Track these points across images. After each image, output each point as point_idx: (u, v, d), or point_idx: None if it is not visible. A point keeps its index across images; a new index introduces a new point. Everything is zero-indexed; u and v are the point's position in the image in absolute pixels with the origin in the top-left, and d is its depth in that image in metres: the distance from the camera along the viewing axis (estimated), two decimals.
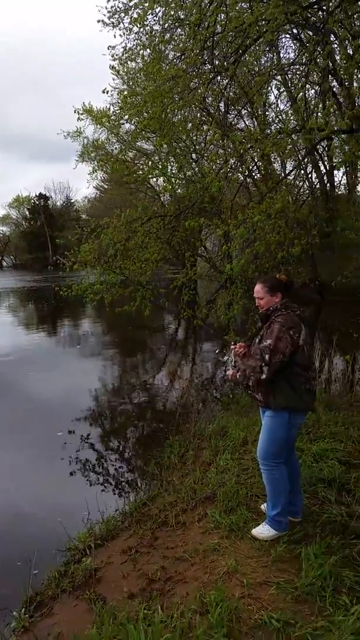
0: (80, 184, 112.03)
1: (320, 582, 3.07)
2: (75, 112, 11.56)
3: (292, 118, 10.02)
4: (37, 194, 65.36)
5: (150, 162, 15.62)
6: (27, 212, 66.67)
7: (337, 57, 8.61)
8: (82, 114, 17.91)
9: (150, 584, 3.31)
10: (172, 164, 14.05)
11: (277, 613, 2.84)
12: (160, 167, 14.74)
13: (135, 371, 11.38)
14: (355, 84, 8.12)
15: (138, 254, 9.28)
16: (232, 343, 3.97)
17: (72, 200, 67.88)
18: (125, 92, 10.48)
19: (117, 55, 9.29)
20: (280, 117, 12.26)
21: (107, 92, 9.48)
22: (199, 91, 8.48)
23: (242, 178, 13.37)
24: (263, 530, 3.68)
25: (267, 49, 9.56)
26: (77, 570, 3.60)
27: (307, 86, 9.39)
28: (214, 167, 9.69)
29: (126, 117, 10.27)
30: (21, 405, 8.53)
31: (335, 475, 4.47)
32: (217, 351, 4.19)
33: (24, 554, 3.98)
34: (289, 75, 11.41)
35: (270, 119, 13.07)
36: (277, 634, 2.71)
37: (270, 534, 3.65)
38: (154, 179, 18.16)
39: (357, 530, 3.67)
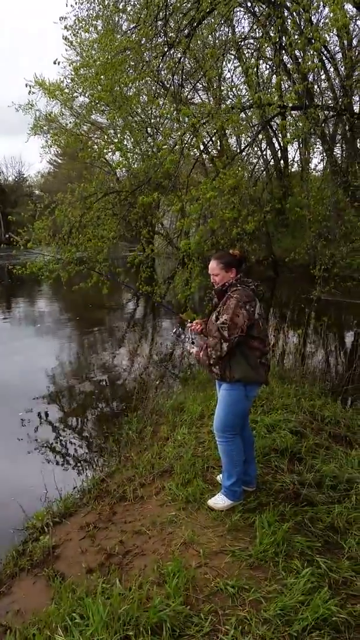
0: (33, 158, 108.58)
1: (274, 549, 3.18)
2: (26, 85, 11.09)
3: (246, 93, 10.00)
4: None
5: (105, 137, 15.26)
6: None
7: (289, 31, 8.60)
8: (33, 86, 17.27)
9: (109, 559, 3.36)
10: (127, 138, 13.81)
11: (232, 580, 2.94)
12: (115, 141, 14.45)
13: (94, 350, 11.31)
14: (306, 59, 8.12)
15: (93, 231, 9.14)
16: (189, 321, 3.99)
17: (24, 176, 65.59)
18: (78, 64, 10.12)
19: (69, 25, 9.01)
20: (234, 91, 12.21)
21: (59, 64, 9.15)
22: (153, 64, 8.32)
23: (197, 154, 13.28)
24: (218, 501, 3.78)
25: (222, 21, 9.44)
26: (35, 548, 3.61)
27: (260, 61, 9.35)
28: (169, 142, 9.58)
29: (80, 90, 10.01)
30: None
31: (287, 445, 4.61)
32: (174, 331, 4.19)
33: None
34: (243, 50, 11.32)
35: (225, 94, 12.98)
36: (232, 599, 2.80)
37: (225, 504, 3.75)
38: (110, 154, 17.78)
39: (308, 497, 3.82)
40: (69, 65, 11.89)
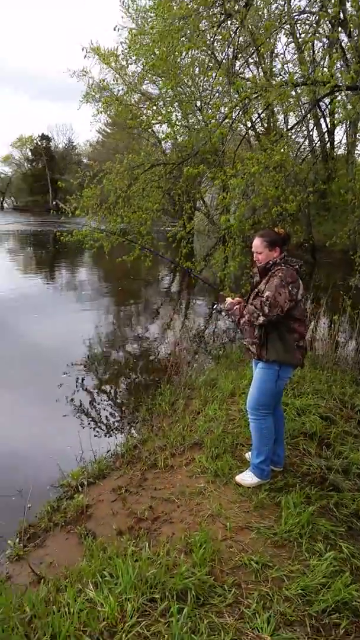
0: (83, 127, 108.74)
1: (298, 530, 3.26)
2: (82, 49, 11.10)
3: (298, 70, 9.73)
4: (40, 135, 63.87)
5: (154, 107, 15.14)
6: (29, 153, 65.22)
7: (348, 6, 8.29)
8: (89, 52, 17.25)
9: (138, 523, 3.51)
10: (176, 110, 13.66)
11: (256, 556, 3.03)
12: (164, 113, 14.34)
13: (130, 321, 11.50)
14: None
15: (139, 202, 9.19)
16: (228, 298, 4.03)
17: (74, 143, 66.29)
18: (134, 31, 10.04)
19: None
20: (286, 68, 11.85)
21: (117, 30, 9.14)
22: (208, 34, 8.18)
23: (244, 130, 13.07)
24: (246, 477, 3.87)
25: None
26: (69, 505, 3.79)
27: (315, 38, 9.07)
28: (217, 116, 9.46)
29: (134, 57, 9.94)
30: (18, 347, 8.66)
31: (317, 430, 4.66)
32: (214, 307, 4.22)
33: (18, 488, 4.19)
34: (298, 25, 10.95)
35: (277, 70, 12.63)
36: (256, 575, 2.90)
37: (253, 481, 3.83)
38: (157, 126, 17.68)
39: (335, 482, 3.88)
40: (127, 32, 11.83)
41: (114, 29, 8.87)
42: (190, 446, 4.50)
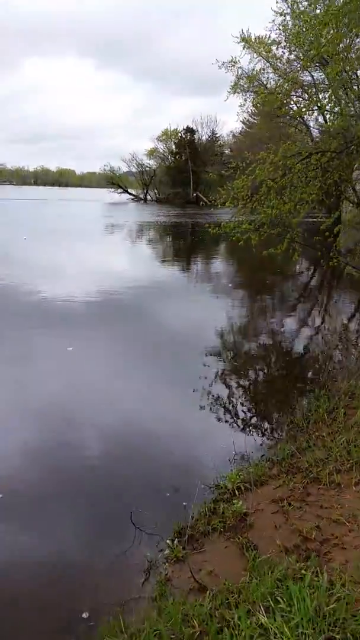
0: (227, 117, 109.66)
1: None
2: (237, 36, 10.83)
3: None
4: (185, 128, 65.62)
5: (306, 95, 14.43)
6: (173, 146, 67.24)
7: None
8: (239, 42, 16.95)
9: (305, 542, 3.17)
10: (341, 96, 12.86)
11: None
12: (317, 100, 13.59)
13: (269, 315, 11.08)
14: None
15: (290, 194, 8.73)
16: None
17: (217, 135, 67.04)
18: (303, 13, 9.55)
19: None
20: None
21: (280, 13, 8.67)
22: None
23: None
24: None
25: None
26: (226, 510, 3.56)
27: None
28: None
29: (290, 45, 9.46)
30: (156, 333, 8.77)
31: None
32: None
33: (170, 483, 4.07)
34: None
35: None
36: None
37: None
38: (308, 114, 16.87)
39: None
40: (279, 16, 11.37)
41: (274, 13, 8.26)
42: (358, 463, 4.02)
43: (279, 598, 2.58)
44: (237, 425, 5.39)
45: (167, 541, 3.33)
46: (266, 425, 5.49)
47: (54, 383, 6.36)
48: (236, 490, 3.82)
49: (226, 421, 5.48)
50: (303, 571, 2.81)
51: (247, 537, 3.24)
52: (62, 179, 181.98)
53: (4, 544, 3.43)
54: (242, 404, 5.97)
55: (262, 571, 2.86)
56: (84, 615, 2.80)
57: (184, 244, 25.18)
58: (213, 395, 6.12)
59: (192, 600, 2.78)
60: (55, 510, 3.85)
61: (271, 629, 2.38)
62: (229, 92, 19.42)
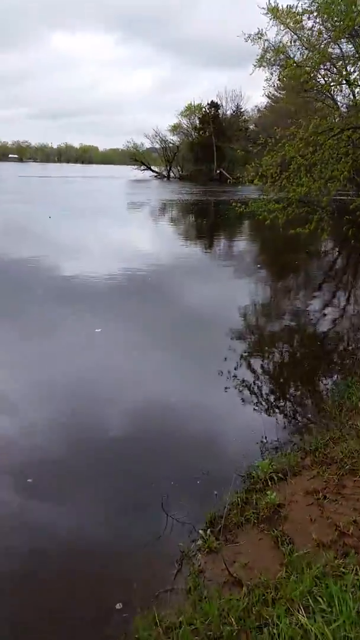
0: (252, 92, 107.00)
1: None
2: (264, 7, 10.37)
3: None
4: (209, 102, 64.29)
5: (334, 69, 13.89)
6: (197, 122, 65.95)
7: None
8: (266, 13, 16.31)
9: (342, 538, 3.07)
10: None
11: None
12: (346, 74, 13.13)
13: (296, 297, 10.83)
14: None
15: (321, 171, 8.45)
16: None
17: (242, 110, 65.49)
18: None
19: None
20: None
21: None
22: None
23: None
24: None
25: None
26: (259, 501, 3.47)
27: None
28: None
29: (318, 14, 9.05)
30: (178, 313, 8.73)
31: None
32: None
33: (200, 468, 4.01)
34: None
35: None
36: None
37: None
38: (337, 88, 16.29)
39: None
40: None
41: None
42: None
43: (318, 597, 2.49)
44: (265, 409, 5.29)
45: (200, 531, 3.27)
46: (294, 410, 5.38)
47: (83, 361, 6.37)
48: (269, 480, 3.73)
49: (254, 404, 5.37)
50: (342, 569, 2.73)
51: (281, 530, 3.15)
52: (85, 155, 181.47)
53: (35, 531, 3.41)
54: (269, 388, 5.87)
55: (299, 567, 2.78)
56: (118, 606, 2.76)
57: (207, 222, 24.85)
58: (239, 378, 6.00)
59: (226, 594, 2.72)
60: (84, 496, 3.82)
61: (312, 630, 2.30)
62: (254, 65, 18.78)
